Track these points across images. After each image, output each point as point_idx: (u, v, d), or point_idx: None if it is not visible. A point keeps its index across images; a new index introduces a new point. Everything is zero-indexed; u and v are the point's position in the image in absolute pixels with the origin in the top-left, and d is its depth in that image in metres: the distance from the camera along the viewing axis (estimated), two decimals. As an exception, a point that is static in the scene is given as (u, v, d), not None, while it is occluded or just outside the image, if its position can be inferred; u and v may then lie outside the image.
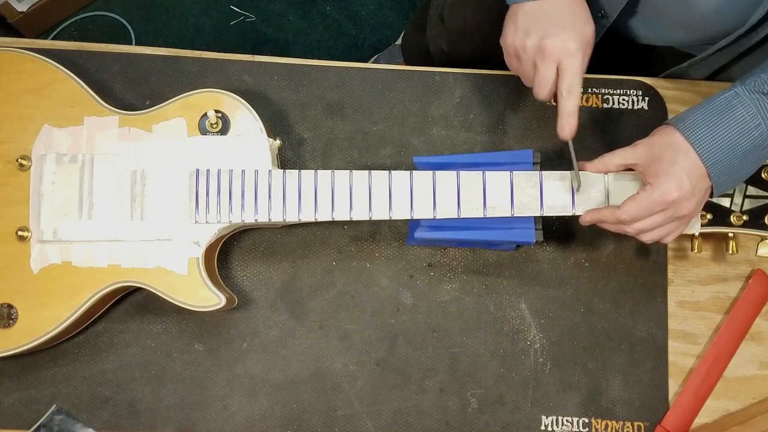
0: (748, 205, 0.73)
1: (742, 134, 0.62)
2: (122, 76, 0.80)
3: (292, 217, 0.70)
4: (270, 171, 0.71)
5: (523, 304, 0.80)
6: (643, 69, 0.86)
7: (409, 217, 0.70)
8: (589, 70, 0.84)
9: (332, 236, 0.79)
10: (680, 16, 0.73)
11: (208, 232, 0.70)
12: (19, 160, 0.70)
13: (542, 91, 0.68)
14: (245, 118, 0.72)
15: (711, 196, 0.66)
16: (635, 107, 0.84)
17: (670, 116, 0.83)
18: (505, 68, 0.84)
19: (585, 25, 0.67)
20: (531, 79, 0.69)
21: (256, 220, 0.70)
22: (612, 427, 0.78)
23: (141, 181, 0.71)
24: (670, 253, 0.82)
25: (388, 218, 0.70)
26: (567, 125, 0.68)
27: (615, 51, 0.90)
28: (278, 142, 0.74)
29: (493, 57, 0.75)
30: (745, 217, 0.73)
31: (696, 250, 0.75)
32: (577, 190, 0.70)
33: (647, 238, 0.67)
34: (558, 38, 0.65)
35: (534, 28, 0.67)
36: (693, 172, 0.63)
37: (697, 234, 0.74)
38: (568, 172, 0.70)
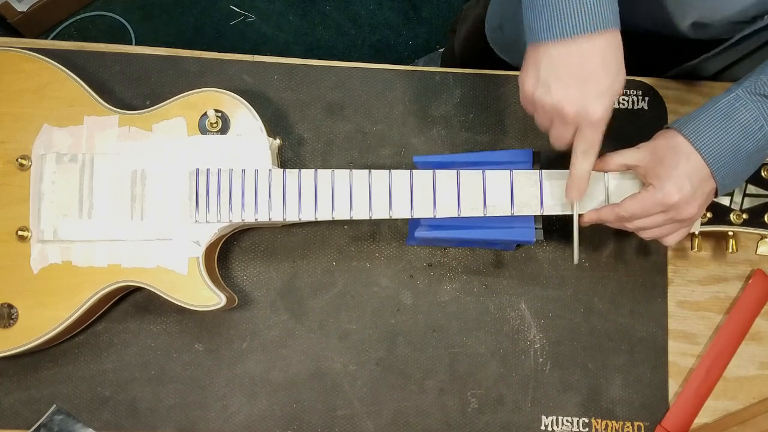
0: (748, 203, 0.74)
1: (746, 137, 0.62)
2: (122, 76, 0.80)
3: (292, 217, 0.70)
4: (270, 170, 0.71)
5: (523, 304, 0.79)
6: (649, 67, 0.85)
7: (409, 217, 0.70)
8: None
9: (332, 236, 0.79)
10: None
11: (208, 232, 0.70)
12: (19, 159, 0.70)
13: (557, 145, 0.64)
14: (245, 118, 0.72)
15: (715, 196, 0.66)
16: (635, 107, 0.84)
17: (669, 116, 0.83)
18: (505, 68, 0.85)
19: (616, 78, 0.60)
20: (546, 129, 0.65)
21: (256, 219, 0.70)
22: (612, 427, 0.78)
23: (141, 181, 0.71)
24: (670, 253, 0.82)
25: (388, 217, 0.70)
26: (575, 188, 0.65)
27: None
28: (278, 141, 0.74)
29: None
30: (745, 216, 0.73)
31: (696, 249, 0.75)
32: (575, 263, 0.70)
33: (646, 235, 0.67)
34: (581, 104, 0.59)
35: (556, 84, 0.60)
36: (695, 175, 0.63)
37: (697, 232, 0.74)
38: (569, 172, 0.70)
